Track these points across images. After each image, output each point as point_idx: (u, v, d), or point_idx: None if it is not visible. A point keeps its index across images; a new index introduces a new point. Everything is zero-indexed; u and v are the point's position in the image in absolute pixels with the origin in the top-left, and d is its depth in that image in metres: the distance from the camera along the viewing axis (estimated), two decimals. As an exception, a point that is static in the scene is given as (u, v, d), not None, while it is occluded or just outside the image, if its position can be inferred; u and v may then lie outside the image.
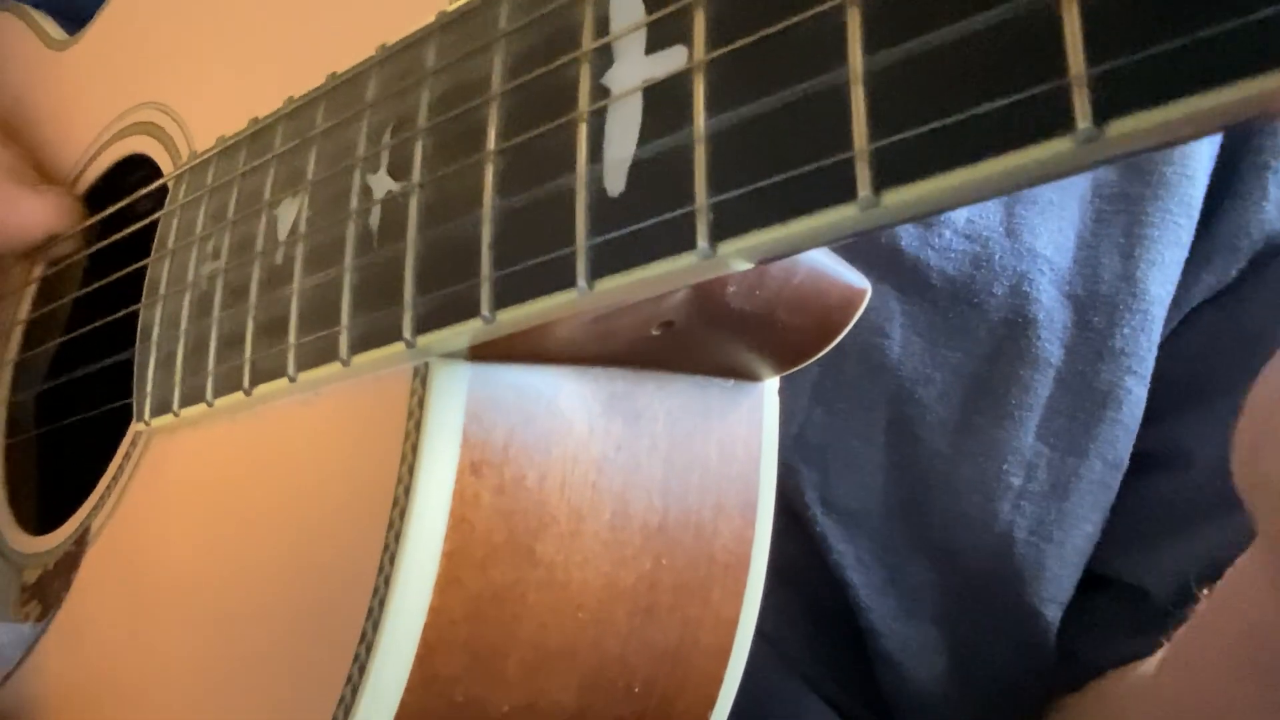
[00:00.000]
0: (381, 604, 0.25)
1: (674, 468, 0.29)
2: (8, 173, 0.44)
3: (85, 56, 0.48)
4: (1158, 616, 0.43)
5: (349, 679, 0.25)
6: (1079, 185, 0.46)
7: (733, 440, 0.31)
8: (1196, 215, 0.46)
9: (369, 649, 0.25)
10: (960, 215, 0.44)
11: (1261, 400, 0.28)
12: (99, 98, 0.46)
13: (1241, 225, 0.46)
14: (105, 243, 0.42)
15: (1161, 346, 0.46)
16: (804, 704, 0.46)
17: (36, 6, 0.55)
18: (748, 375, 0.31)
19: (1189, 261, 0.46)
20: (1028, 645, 0.45)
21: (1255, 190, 0.46)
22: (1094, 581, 0.46)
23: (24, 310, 0.47)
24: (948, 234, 0.44)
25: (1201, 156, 0.46)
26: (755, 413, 0.31)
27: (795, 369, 0.31)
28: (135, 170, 0.43)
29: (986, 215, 0.45)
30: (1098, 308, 0.45)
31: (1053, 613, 0.45)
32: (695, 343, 0.29)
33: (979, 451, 0.44)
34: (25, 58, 0.53)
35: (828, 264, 0.29)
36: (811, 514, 0.45)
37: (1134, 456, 0.46)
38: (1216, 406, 0.46)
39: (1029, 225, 0.44)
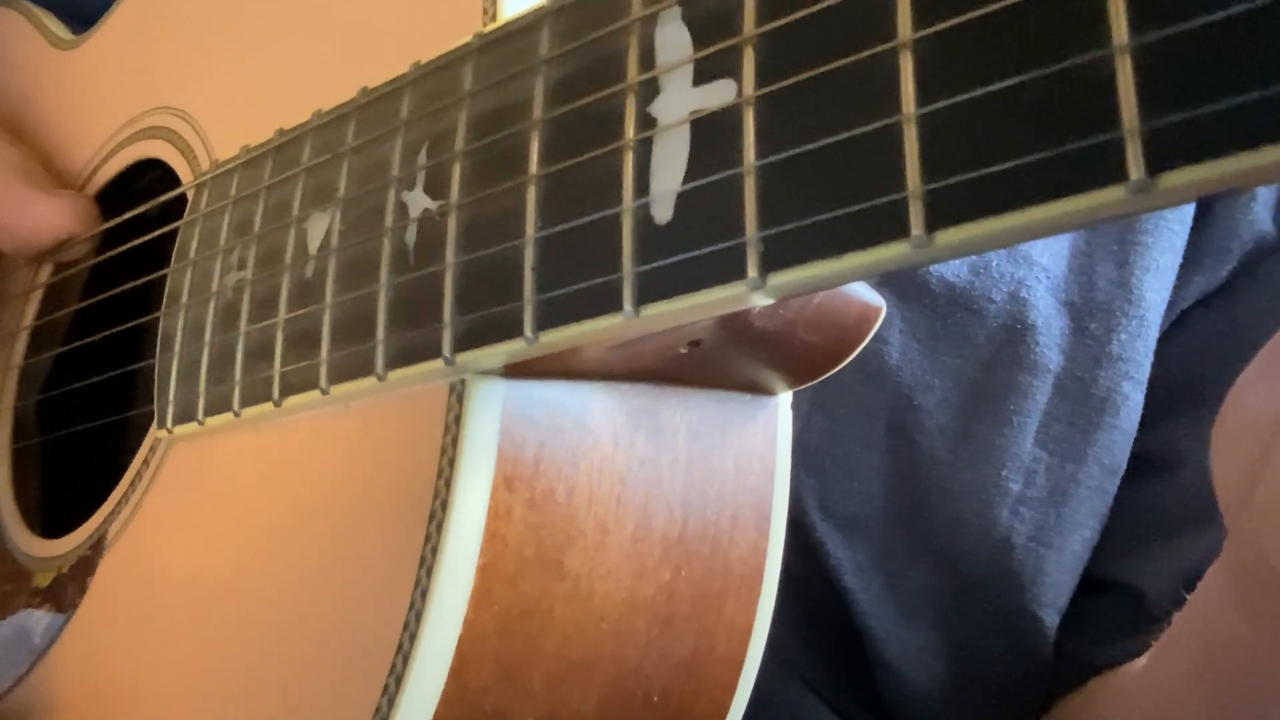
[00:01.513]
0: (418, 617, 0.25)
1: (693, 480, 0.30)
2: (18, 174, 0.43)
3: (95, 57, 0.48)
4: (1154, 619, 0.44)
5: (385, 689, 0.25)
6: None
7: (748, 453, 0.31)
8: (1190, 220, 0.47)
9: (405, 660, 0.25)
10: None
11: (1247, 421, 0.28)
12: (110, 99, 0.45)
13: (1231, 227, 0.47)
14: (119, 250, 0.42)
15: (1154, 350, 0.46)
16: (805, 706, 0.47)
17: (39, 4, 0.55)
18: (764, 390, 0.31)
19: (1180, 264, 0.47)
20: (1026, 650, 0.46)
21: (1244, 192, 0.47)
22: (1090, 584, 0.47)
23: (30, 315, 0.46)
24: None
25: None
26: (770, 426, 0.32)
27: (809, 384, 0.32)
28: (145, 175, 0.43)
29: None
30: (1094, 314, 0.45)
31: (1051, 618, 0.46)
32: (719, 360, 0.29)
33: (978, 457, 0.45)
34: (29, 56, 0.52)
35: None
36: (810, 520, 0.45)
37: (1129, 460, 0.46)
38: (1210, 409, 0.46)
39: None
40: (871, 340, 0.44)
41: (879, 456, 0.45)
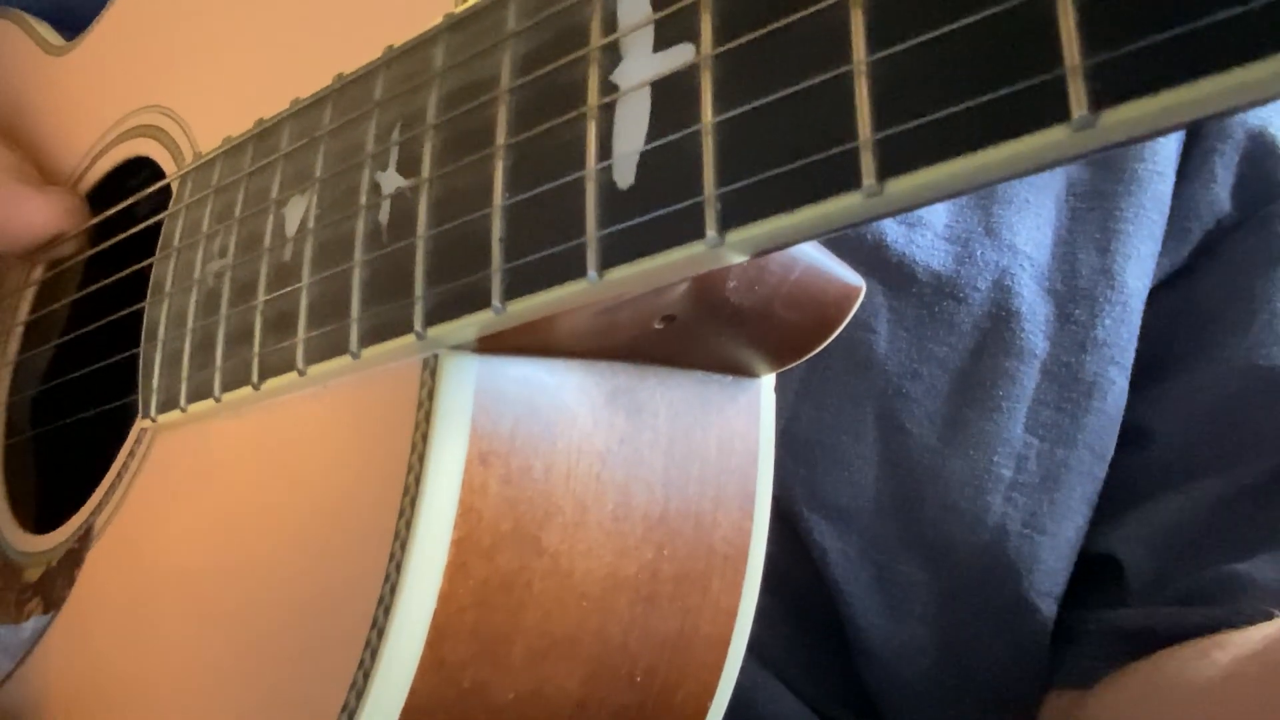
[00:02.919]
0: (393, 590, 0.25)
1: (674, 460, 0.30)
2: (11, 174, 0.44)
3: (85, 61, 0.49)
4: (1135, 591, 0.44)
5: (361, 663, 0.25)
6: (1054, 185, 0.47)
7: (731, 435, 0.31)
8: (1168, 209, 0.47)
9: (380, 634, 0.25)
10: (940, 217, 0.45)
11: None
12: (100, 101, 0.46)
13: (1192, 208, 0.48)
14: (108, 244, 0.43)
15: None
16: (784, 704, 0.46)
17: (31, 12, 0.55)
18: (746, 371, 0.31)
19: None
20: (1021, 642, 0.46)
21: (1203, 173, 0.48)
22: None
23: (23, 312, 0.47)
24: (929, 234, 0.45)
25: (1170, 154, 0.48)
26: (752, 408, 0.32)
27: (791, 365, 0.32)
28: (136, 173, 0.44)
29: (966, 216, 0.45)
30: (1078, 301, 0.46)
31: (1048, 606, 0.45)
32: (696, 337, 0.29)
33: (969, 444, 0.45)
34: (22, 62, 0.53)
35: (824, 261, 0.30)
36: (798, 510, 0.45)
37: None
38: (1174, 383, 0.47)
39: (1007, 223, 0.45)
40: (859, 330, 0.44)
41: (869, 446, 0.45)
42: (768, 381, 0.32)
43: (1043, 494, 0.45)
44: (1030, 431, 0.45)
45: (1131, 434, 0.47)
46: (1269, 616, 0.41)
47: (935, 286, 0.45)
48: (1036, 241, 0.46)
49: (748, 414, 0.31)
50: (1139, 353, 0.47)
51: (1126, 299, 0.46)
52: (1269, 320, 0.47)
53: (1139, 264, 0.46)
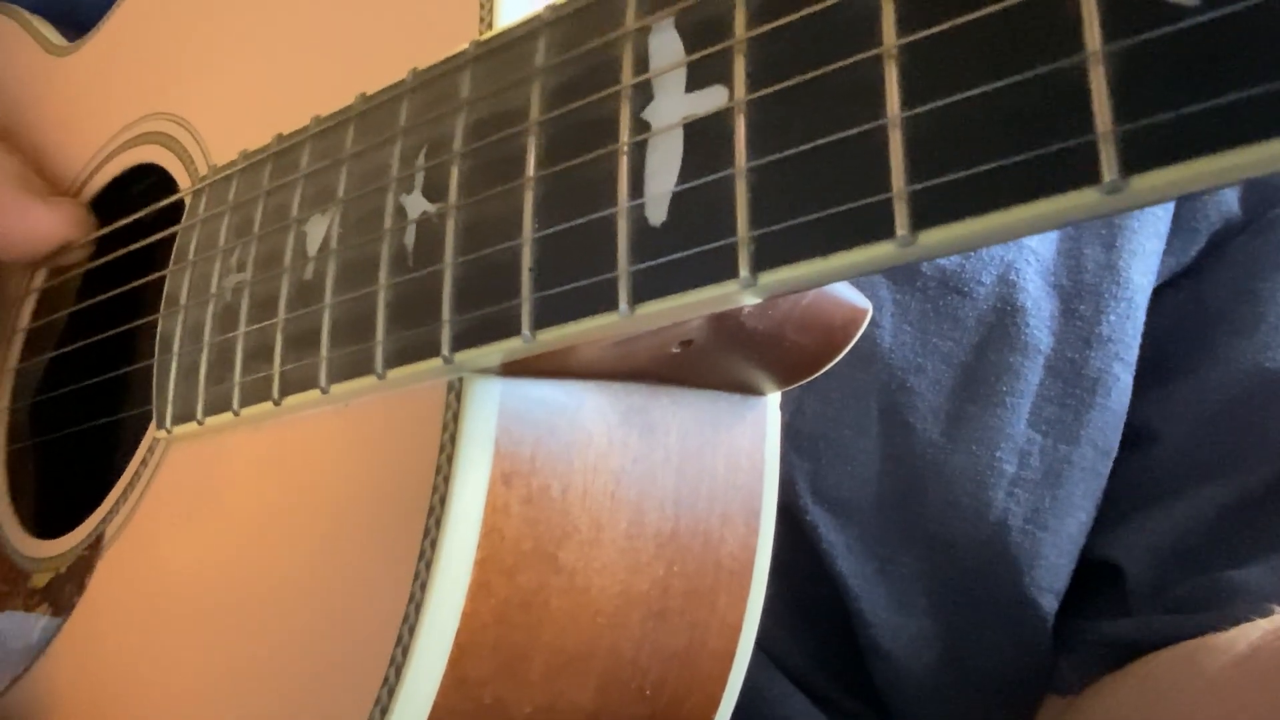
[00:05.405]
0: (418, 609, 0.26)
1: (685, 479, 0.31)
2: (15, 181, 0.44)
3: (90, 63, 0.49)
4: (1141, 597, 0.44)
5: (385, 680, 0.26)
6: None
7: (738, 452, 0.32)
8: (1173, 207, 0.48)
9: (405, 652, 0.26)
10: None
11: None
12: (106, 105, 0.46)
13: (1199, 208, 0.48)
14: (116, 254, 0.43)
15: None
16: (791, 703, 0.47)
17: (33, 11, 0.55)
18: (753, 390, 0.32)
19: None
20: (1023, 637, 0.46)
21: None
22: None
23: (25, 319, 0.47)
24: None
25: None
26: (759, 426, 0.32)
27: (796, 384, 0.32)
28: (140, 180, 0.44)
29: None
30: (1083, 296, 0.46)
31: (1049, 602, 0.46)
32: (710, 360, 0.30)
33: (972, 439, 0.45)
34: (24, 63, 0.53)
35: (833, 285, 0.31)
36: (802, 504, 0.45)
37: None
38: (1180, 385, 0.48)
39: None
40: (863, 324, 0.44)
41: (872, 440, 0.45)
42: (773, 399, 0.33)
43: (1045, 490, 0.45)
44: (1033, 427, 0.45)
45: (1136, 436, 0.47)
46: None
47: (940, 280, 0.45)
48: (1042, 236, 0.46)
49: (754, 432, 0.32)
50: (1145, 354, 0.47)
51: (1131, 295, 0.46)
52: (1276, 323, 0.47)
53: (1144, 261, 0.46)
